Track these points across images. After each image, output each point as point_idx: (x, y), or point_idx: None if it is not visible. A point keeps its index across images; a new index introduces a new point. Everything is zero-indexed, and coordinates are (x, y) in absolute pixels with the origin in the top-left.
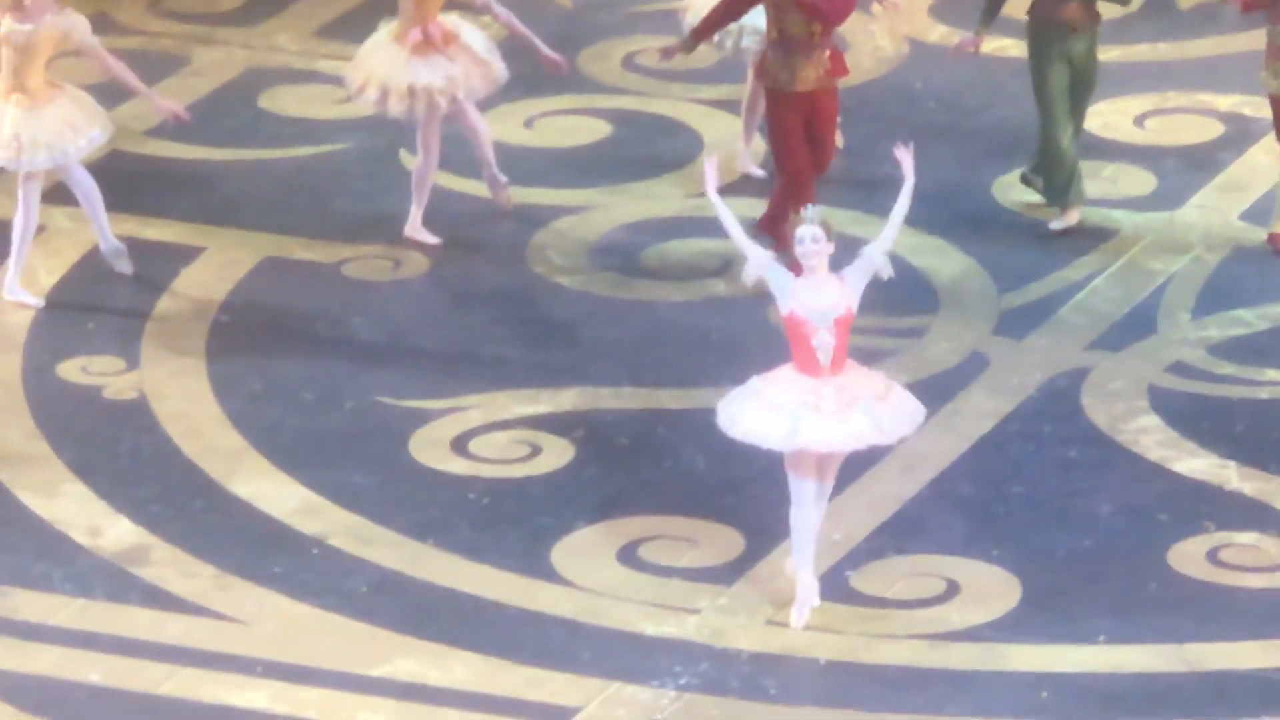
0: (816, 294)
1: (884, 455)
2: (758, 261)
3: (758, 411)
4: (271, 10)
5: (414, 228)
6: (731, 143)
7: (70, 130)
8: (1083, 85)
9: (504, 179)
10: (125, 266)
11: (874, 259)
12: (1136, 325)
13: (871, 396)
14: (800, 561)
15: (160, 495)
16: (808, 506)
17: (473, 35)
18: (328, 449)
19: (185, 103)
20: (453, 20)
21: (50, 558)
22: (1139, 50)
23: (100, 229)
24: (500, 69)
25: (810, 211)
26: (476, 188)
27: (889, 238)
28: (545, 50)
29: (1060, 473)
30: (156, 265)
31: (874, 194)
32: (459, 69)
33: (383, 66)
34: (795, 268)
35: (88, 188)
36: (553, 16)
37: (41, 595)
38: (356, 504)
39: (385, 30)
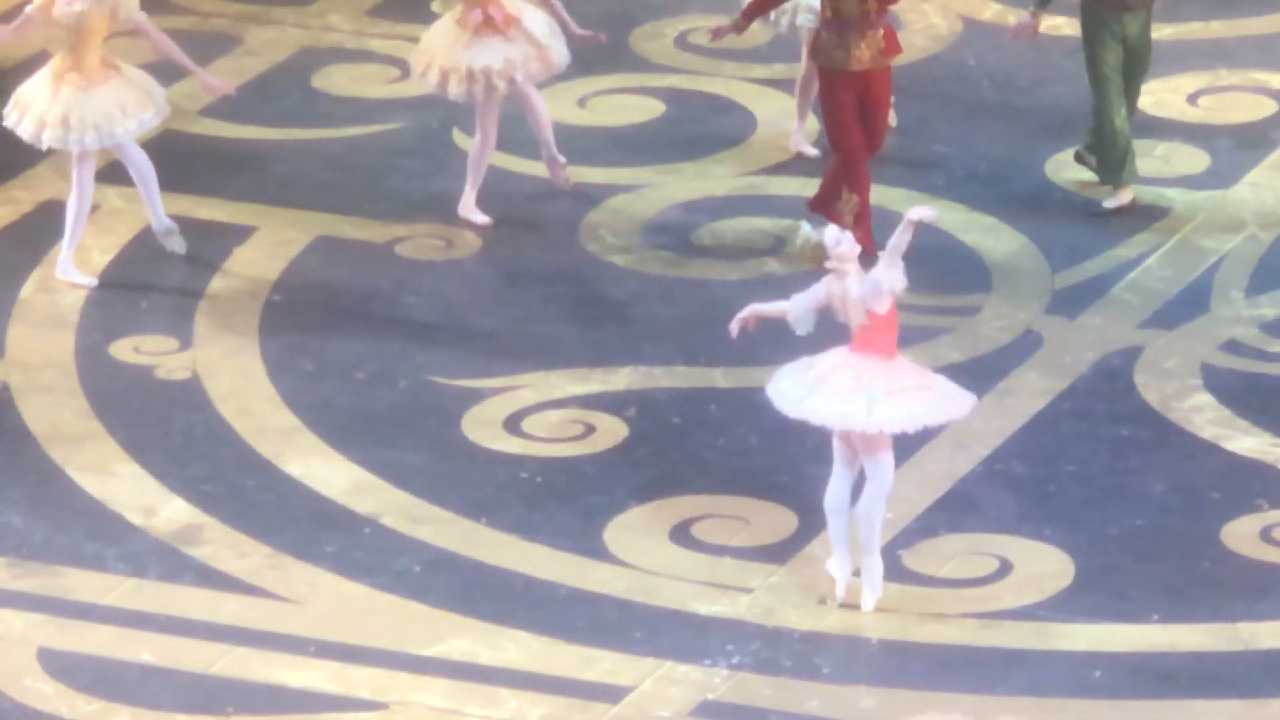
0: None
1: (936, 434)
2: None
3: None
4: None
5: (467, 207)
6: (784, 121)
7: (120, 112)
8: (1136, 65)
9: (562, 160)
10: (178, 245)
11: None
12: (1189, 304)
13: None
14: (873, 545)
15: (213, 474)
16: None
17: (534, 18)
18: (380, 428)
19: (238, 83)
20: (516, 3)
21: (103, 537)
22: (1191, 28)
23: (153, 207)
24: (561, 53)
25: (809, 232)
26: (529, 166)
27: (894, 261)
28: (577, 29)
29: (1113, 451)
30: (209, 245)
31: (927, 172)
32: (518, 52)
33: (444, 49)
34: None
35: (142, 167)
36: None
37: (95, 575)
38: (409, 483)
39: (449, 14)
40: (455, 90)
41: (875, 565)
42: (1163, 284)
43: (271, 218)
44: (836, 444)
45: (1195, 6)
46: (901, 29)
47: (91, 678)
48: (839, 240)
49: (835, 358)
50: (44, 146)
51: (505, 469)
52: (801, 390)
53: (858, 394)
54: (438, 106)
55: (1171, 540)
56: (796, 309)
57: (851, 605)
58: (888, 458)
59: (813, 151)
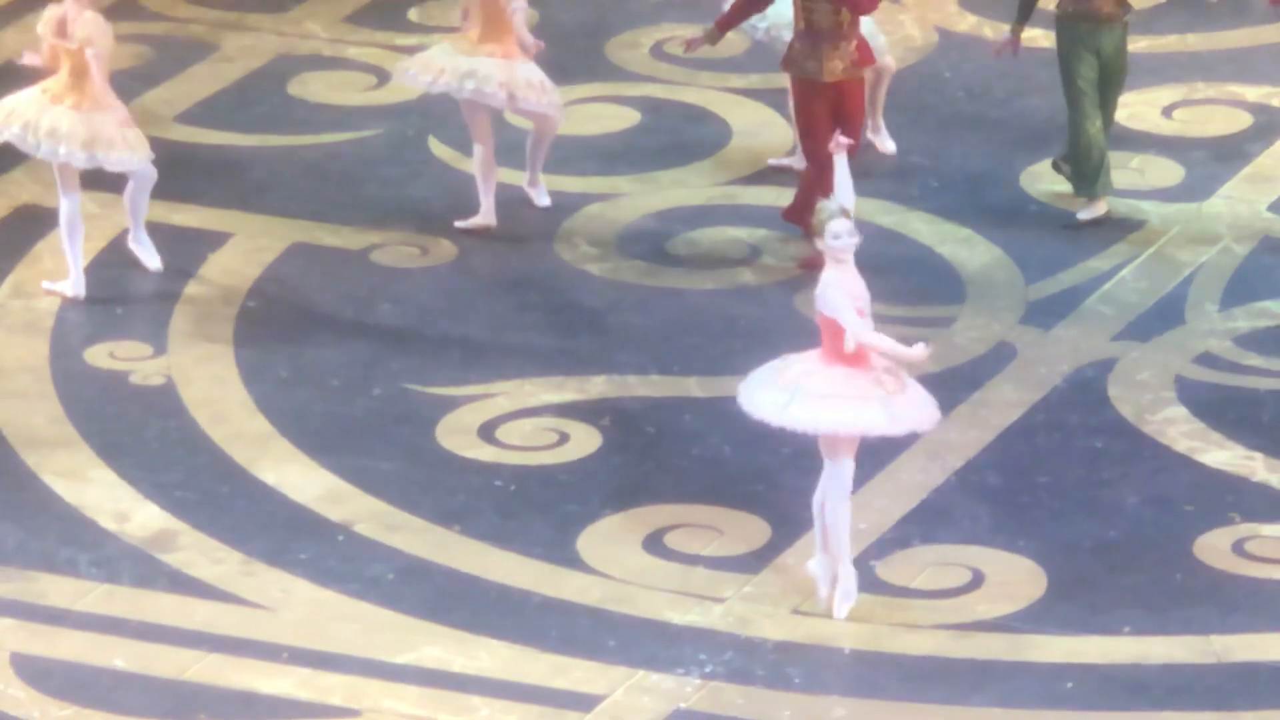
0: (857, 283)
1: (910, 444)
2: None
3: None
4: None
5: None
6: (760, 130)
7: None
8: (1112, 78)
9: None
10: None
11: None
12: (1164, 316)
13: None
14: (844, 553)
15: (187, 480)
16: (849, 493)
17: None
18: (355, 435)
19: (214, 89)
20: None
21: (77, 542)
22: (1167, 41)
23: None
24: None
25: (831, 205)
26: (504, 175)
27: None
28: (531, 43)
29: (1087, 463)
30: (185, 251)
31: (903, 184)
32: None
33: (447, 56)
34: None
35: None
36: (582, 4)
37: (68, 580)
38: (383, 490)
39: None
40: (450, 85)
41: (846, 574)
42: (1137, 296)
43: (247, 224)
44: (850, 451)
45: (1171, 19)
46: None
47: (64, 683)
48: (838, 234)
49: (805, 364)
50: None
51: (479, 477)
52: (876, 409)
53: (909, 391)
54: (414, 114)
55: (1144, 552)
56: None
57: (825, 615)
58: (845, 462)
59: (891, 146)
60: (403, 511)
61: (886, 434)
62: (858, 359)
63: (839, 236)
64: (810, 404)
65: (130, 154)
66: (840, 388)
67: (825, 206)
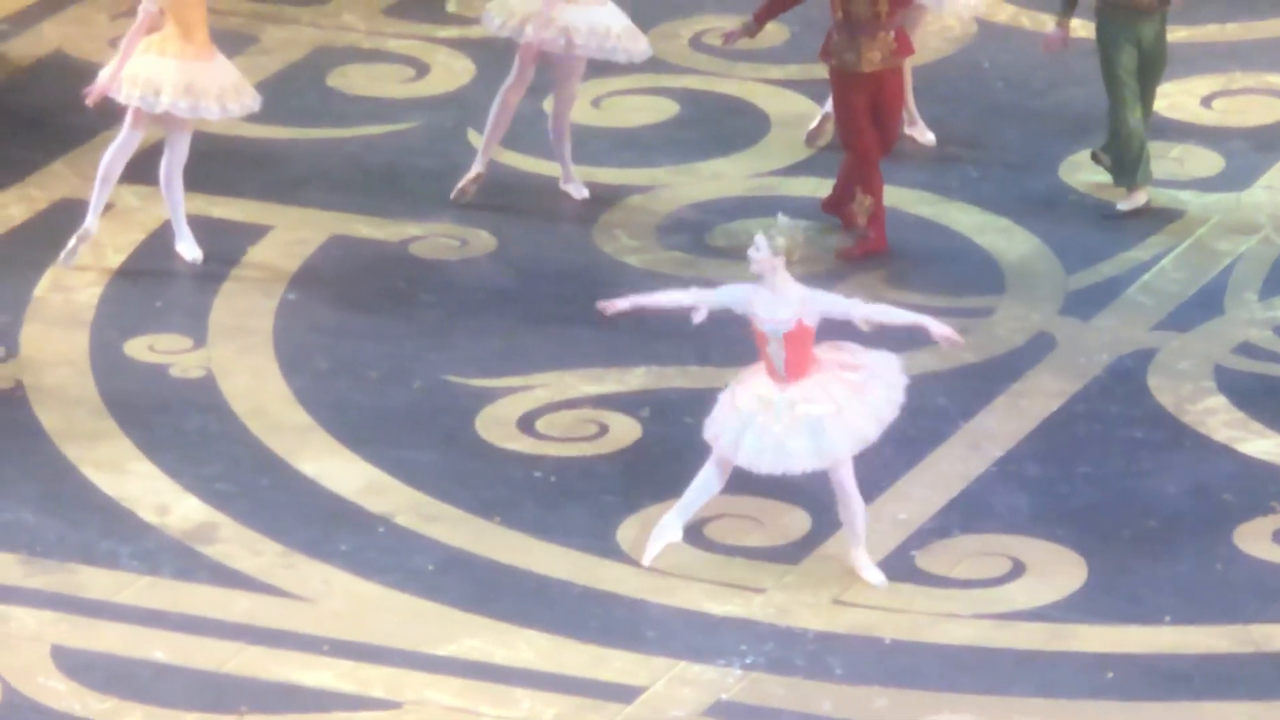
0: (770, 305)
1: (950, 433)
2: (697, 305)
3: (725, 408)
4: None
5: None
6: (799, 122)
7: (233, 90)
8: (1152, 68)
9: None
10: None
11: (850, 312)
12: (1203, 306)
13: (824, 413)
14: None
15: (227, 473)
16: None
17: (610, 14)
18: (394, 427)
19: (254, 81)
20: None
21: (117, 535)
22: (1207, 31)
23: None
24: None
25: (779, 223)
26: (543, 166)
27: (874, 314)
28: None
29: (1127, 453)
30: (224, 243)
31: (942, 174)
32: (583, 25)
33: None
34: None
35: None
36: None
37: (108, 572)
38: (423, 482)
39: None
40: (520, 29)
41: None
42: (1177, 286)
43: (286, 216)
44: (726, 466)
45: (1210, 9)
46: (915, 29)
47: (105, 675)
48: (759, 247)
49: (761, 385)
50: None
51: (519, 468)
52: (734, 431)
53: (797, 429)
54: (452, 106)
55: (1184, 542)
56: (699, 299)
57: (866, 605)
58: (843, 474)
59: (930, 137)
60: (442, 503)
61: (860, 449)
62: (813, 363)
63: (754, 250)
64: (840, 430)
65: (235, 104)
66: (836, 398)
67: (785, 227)
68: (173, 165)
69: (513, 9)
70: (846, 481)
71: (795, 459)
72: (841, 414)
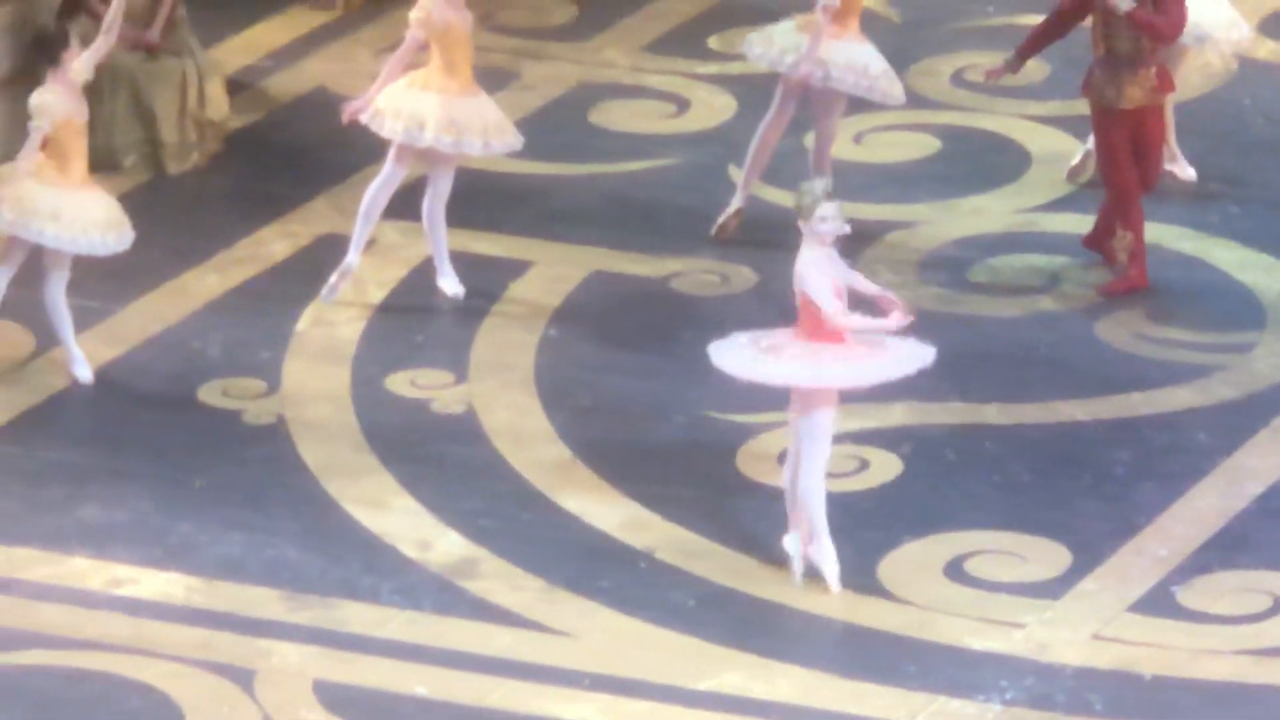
0: (835, 265)
1: (1210, 470)
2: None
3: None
4: (601, 25)
5: None
6: (1060, 158)
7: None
8: None
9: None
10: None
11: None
12: None
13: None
14: (819, 527)
15: (488, 508)
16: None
17: (870, 54)
18: (655, 463)
19: (515, 117)
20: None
21: (379, 570)
22: None
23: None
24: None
25: (817, 186)
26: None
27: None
28: None
29: None
30: (485, 279)
31: (1202, 210)
32: (843, 60)
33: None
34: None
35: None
36: (882, 32)
37: (370, 607)
38: (684, 517)
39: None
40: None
41: (823, 549)
42: None
43: (548, 252)
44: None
45: None
46: (1177, 66)
47: (366, 710)
48: (826, 216)
49: (781, 335)
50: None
51: (780, 504)
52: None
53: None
54: (713, 142)
55: None
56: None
57: (1125, 641)
58: (817, 420)
59: (1189, 173)
60: (704, 539)
61: (855, 385)
62: (833, 334)
63: (827, 219)
64: (783, 361)
65: (499, 141)
66: (813, 351)
67: (811, 189)
68: (435, 201)
69: (773, 39)
70: (811, 447)
71: (733, 361)
72: (806, 356)
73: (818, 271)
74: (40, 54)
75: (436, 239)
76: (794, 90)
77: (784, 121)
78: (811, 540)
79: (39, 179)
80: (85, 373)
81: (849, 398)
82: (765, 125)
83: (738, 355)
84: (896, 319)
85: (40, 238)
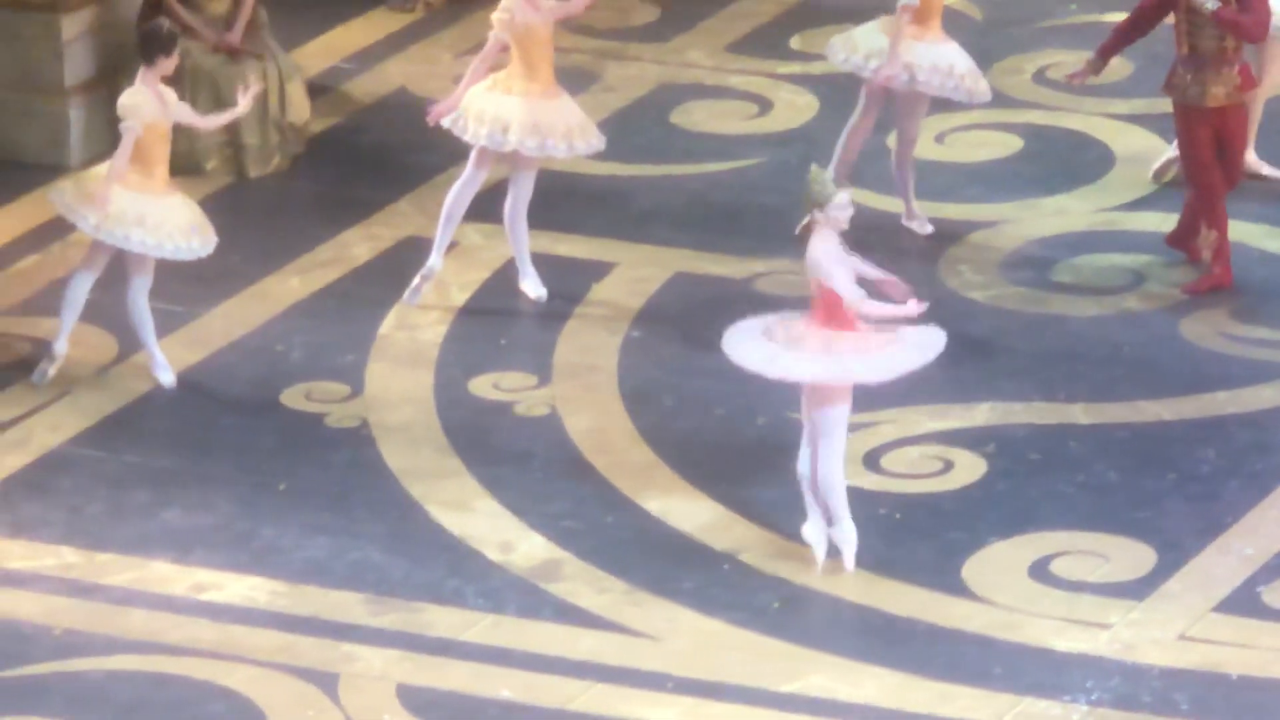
0: (846, 251)
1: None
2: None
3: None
4: (683, 26)
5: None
6: (1144, 156)
7: (579, 130)
8: None
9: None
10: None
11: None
12: None
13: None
14: (841, 511)
15: (571, 510)
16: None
17: (954, 53)
18: (739, 464)
19: (597, 119)
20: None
21: (463, 574)
22: None
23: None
24: (940, 82)
25: (828, 175)
26: (886, 202)
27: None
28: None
29: None
30: (568, 281)
31: None
32: (926, 62)
33: (865, 31)
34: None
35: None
36: (965, 31)
37: (454, 611)
38: (767, 519)
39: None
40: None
41: (844, 530)
42: None
43: (630, 253)
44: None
45: None
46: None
47: (450, 714)
48: (844, 204)
49: (796, 325)
50: (506, 148)
51: (864, 505)
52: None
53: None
54: (796, 142)
55: None
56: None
57: (1211, 641)
58: (835, 414)
59: (1273, 172)
60: (788, 540)
61: (875, 381)
62: (846, 322)
63: (844, 207)
64: (803, 357)
65: (582, 142)
66: (830, 345)
67: (824, 177)
68: (518, 203)
69: (856, 43)
70: (829, 438)
71: (743, 354)
72: (824, 351)
73: (837, 259)
74: (138, 51)
75: (518, 241)
76: (878, 94)
77: (869, 125)
78: (833, 523)
79: (123, 184)
80: (168, 377)
81: (925, 399)
82: (850, 128)
83: (755, 349)
84: (913, 305)
85: (126, 243)
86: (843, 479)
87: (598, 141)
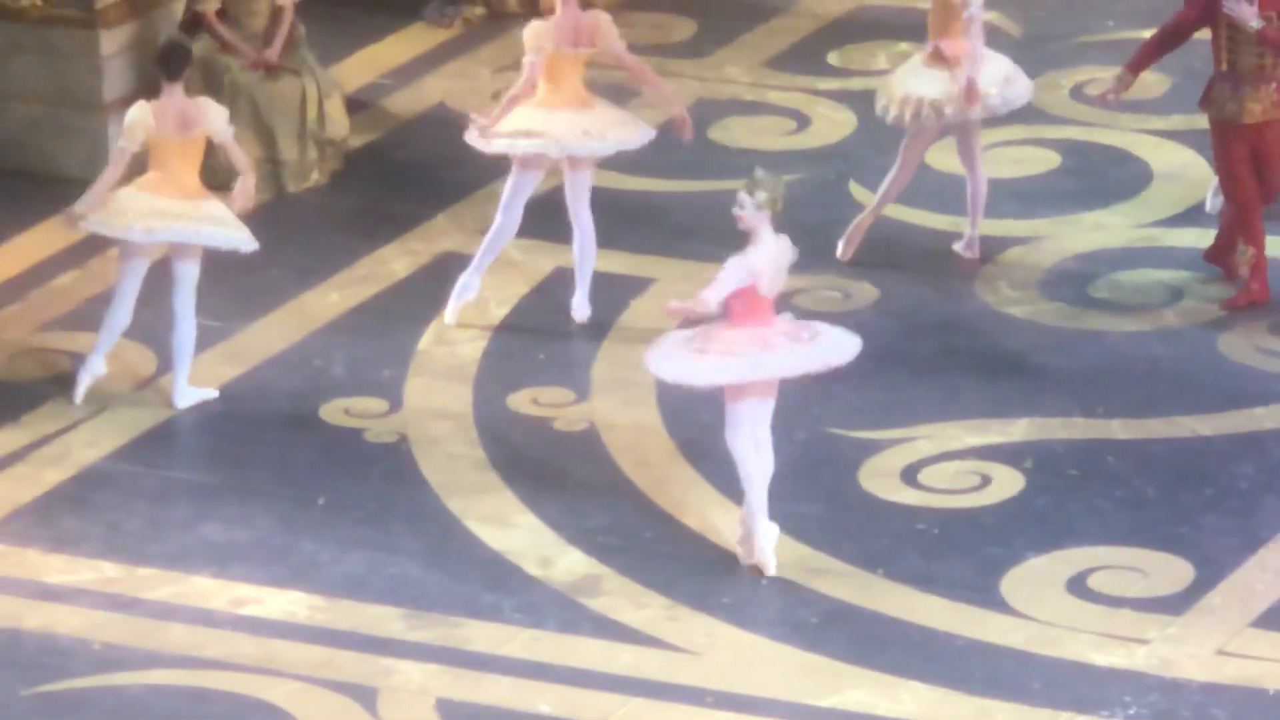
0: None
1: None
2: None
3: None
4: (722, 41)
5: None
6: (1182, 172)
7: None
8: None
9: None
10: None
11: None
12: None
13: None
14: (757, 508)
15: (611, 525)
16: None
17: (998, 62)
18: (778, 479)
19: None
20: (978, 48)
21: (501, 588)
22: None
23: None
24: (998, 100)
25: (759, 176)
26: (926, 218)
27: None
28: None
29: None
30: (607, 296)
31: None
32: (955, 89)
33: (897, 77)
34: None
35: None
36: (1002, 46)
37: (493, 625)
38: (806, 534)
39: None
40: (893, 114)
41: (764, 531)
42: None
43: (669, 269)
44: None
45: None
46: None
47: None
48: (743, 204)
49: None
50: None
51: (902, 520)
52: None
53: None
54: (835, 158)
55: None
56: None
57: (1249, 656)
58: (739, 405)
59: None
60: (826, 555)
61: (781, 376)
62: (760, 319)
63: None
64: (704, 360)
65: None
66: (739, 345)
67: (774, 178)
68: (579, 211)
69: (904, 94)
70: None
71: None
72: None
73: (748, 268)
74: (160, 66)
75: (584, 259)
76: (918, 151)
77: (906, 179)
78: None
79: (153, 190)
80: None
81: (963, 414)
82: (890, 180)
83: (669, 359)
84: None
85: (171, 234)
86: (762, 475)
87: (647, 129)
